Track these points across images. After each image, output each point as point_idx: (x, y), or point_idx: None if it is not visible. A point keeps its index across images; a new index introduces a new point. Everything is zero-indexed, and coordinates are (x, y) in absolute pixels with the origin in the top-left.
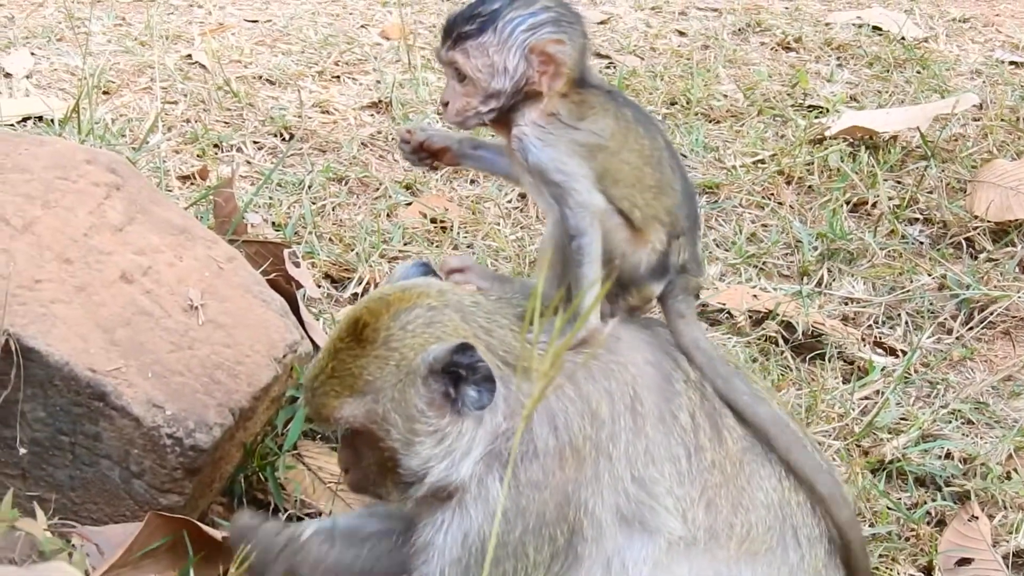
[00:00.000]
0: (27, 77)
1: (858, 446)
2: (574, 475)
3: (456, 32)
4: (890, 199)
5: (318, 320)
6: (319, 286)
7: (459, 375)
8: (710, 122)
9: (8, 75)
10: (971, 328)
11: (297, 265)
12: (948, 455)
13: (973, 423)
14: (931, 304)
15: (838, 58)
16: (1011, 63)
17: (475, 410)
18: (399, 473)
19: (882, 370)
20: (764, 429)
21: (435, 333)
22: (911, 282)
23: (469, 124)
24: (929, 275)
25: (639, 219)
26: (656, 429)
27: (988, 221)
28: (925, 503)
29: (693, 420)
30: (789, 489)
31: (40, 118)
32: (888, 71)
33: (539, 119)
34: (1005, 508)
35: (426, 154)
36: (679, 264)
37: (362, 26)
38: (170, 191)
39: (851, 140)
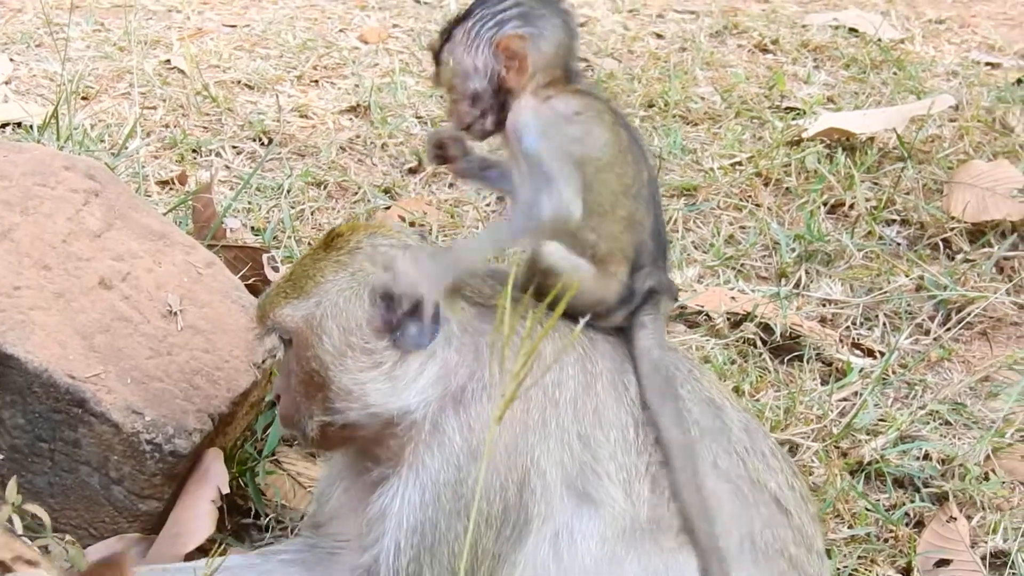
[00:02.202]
0: (5, 83)
1: (836, 447)
2: (522, 416)
3: (434, 50)
4: (867, 200)
5: None
6: None
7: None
8: (688, 124)
9: None
10: (948, 329)
11: (276, 270)
12: (926, 456)
13: (951, 424)
14: (908, 305)
15: (815, 60)
16: (987, 64)
17: (411, 346)
18: (330, 395)
19: (860, 371)
20: (669, 453)
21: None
22: (888, 283)
23: (475, 132)
24: (906, 276)
25: (603, 251)
26: (607, 392)
27: (965, 222)
28: (903, 504)
29: (633, 404)
30: (756, 457)
31: (19, 124)
32: (865, 72)
33: (534, 102)
34: (983, 509)
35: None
36: (644, 290)
37: (340, 30)
38: (149, 196)
39: (828, 142)
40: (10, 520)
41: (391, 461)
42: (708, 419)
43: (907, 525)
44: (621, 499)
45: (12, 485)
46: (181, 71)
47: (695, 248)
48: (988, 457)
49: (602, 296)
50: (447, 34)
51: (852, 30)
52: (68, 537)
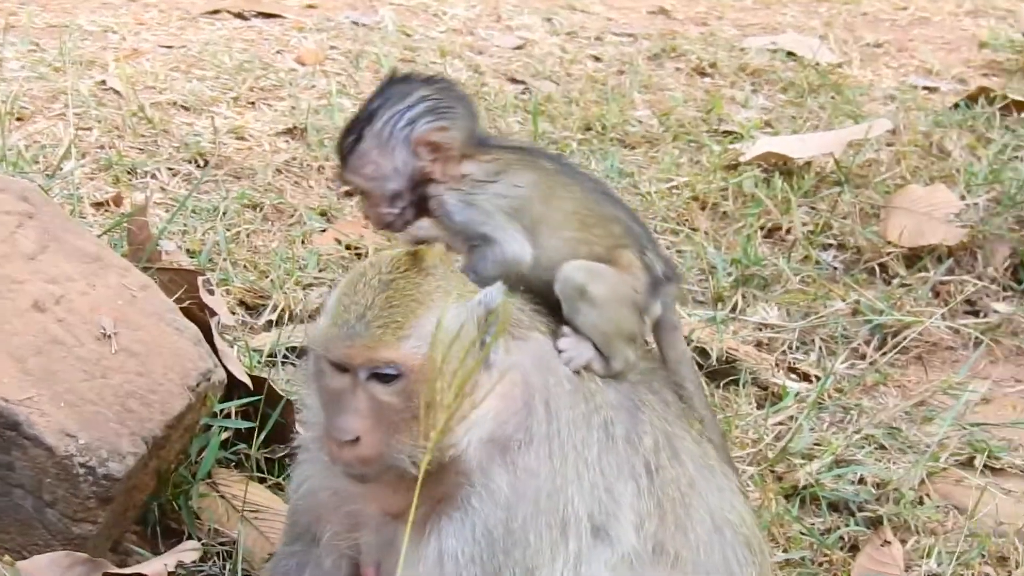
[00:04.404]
0: None
1: (772, 471)
2: (561, 468)
3: (342, 151)
4: (804, 225)
5: (232, 348)
6: (233, 313)
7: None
8: (625, 147)
9: None
10: (884, 353)
11: (211, 293)
12: (861, 480)
13: (886, 448)
14: (845, 329)
15: (753, 83)
16: (924, 88)
17: (499, 365)
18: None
19: (796, 395)
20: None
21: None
22: (825, 308)
23: (397, 227)
24: (843, 300)
25: (603, 253)
26: (625, 448)
27: (901, 247)
28: (838, 528)
29: (656, 443)
30: (735, 510)
31: None
32: (802, 96)
33: (454, 184)
34: (918, 533)
35: None
36: (662, 274)
37: (277, 52)
38: (84, 218)
39: (765, 166)
40: None
41: (435, 500)
42: None
43: (842, 549)
44: (633, 539)
45: None
46: (117, 92)
47: None
48: (923, 481)
49: (633, 288)
50: (355, 138)
51: (790, 54)
52: (7, 557)
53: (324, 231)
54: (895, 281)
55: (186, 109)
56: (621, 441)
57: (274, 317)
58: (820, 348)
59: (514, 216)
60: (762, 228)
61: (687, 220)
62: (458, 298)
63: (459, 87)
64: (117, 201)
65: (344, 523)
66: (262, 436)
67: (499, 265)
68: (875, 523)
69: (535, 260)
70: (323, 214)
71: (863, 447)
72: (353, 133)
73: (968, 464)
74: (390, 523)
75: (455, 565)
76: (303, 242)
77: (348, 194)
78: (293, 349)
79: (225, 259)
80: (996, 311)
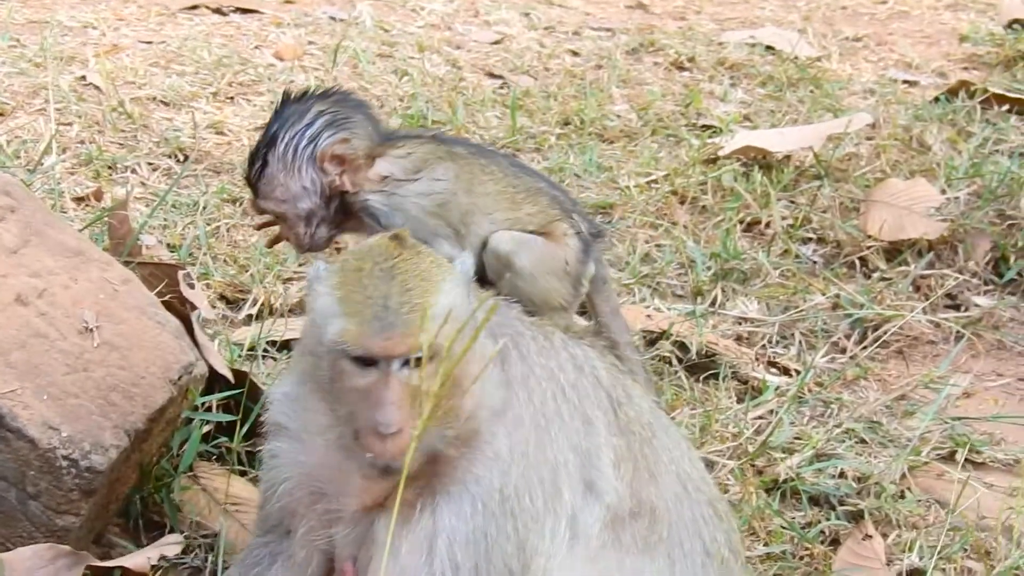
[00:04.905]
0: None
1: (752, 465)
2: (541, 407)
3: (250, 180)
4: (783, 219)
5: (213, 341)
6: (214, 307)
7: None
8: (604, 142)
9: None
10: (865, 347)
11: (192, 286)
12: (842, 474)
13: (867, 442)
14: (825, 323)
15: (731, 78)
16: (904, 82)
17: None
18: (464, 406)
19: (776, 389)
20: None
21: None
22: (805, 301)
23: (319, 245)
24: (823, 294)
25: (537, 224)
26: (591, 378)
27: (882, 240)
28: (819, 522)
29: (612, 380)
30: (692, 463)
31: None
32: (781, 90)
33: (375, 187)
34: (899, 527)
35: None
36: (589, 234)
37: (256, 47)
38: (65, 213)
39: (744, 160)
40: None
41: (436, 477)
42: None
43: (823, 543)
44: (614, 481)
45: None
46: (97, 87)
47: (611, 266)
48: (904, 475)
49: (566, 256)
50: (260, 164)
51: (769, 48)
52: None
53: None
54: (875, 275)
55: (166, 104)
56: (587, 371)
57: (254, 311)
58: (800, 342)
59: (440, 215)
60: (741, 222)
61: (666, 214)
62: (446, 271)
63: (355, 95)
64: (98, 196)
65: (319, 520)
66: (243, 429)
67: None
68: (856, 517)
69: (473, 248)
70: None
71: (844, 441)
72: (258, 160)
73: (950, 458)
74: (367, 516)
75: (448, 545)
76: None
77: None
78: (273, 343)
79: (205, 253)
80: (977, 305)
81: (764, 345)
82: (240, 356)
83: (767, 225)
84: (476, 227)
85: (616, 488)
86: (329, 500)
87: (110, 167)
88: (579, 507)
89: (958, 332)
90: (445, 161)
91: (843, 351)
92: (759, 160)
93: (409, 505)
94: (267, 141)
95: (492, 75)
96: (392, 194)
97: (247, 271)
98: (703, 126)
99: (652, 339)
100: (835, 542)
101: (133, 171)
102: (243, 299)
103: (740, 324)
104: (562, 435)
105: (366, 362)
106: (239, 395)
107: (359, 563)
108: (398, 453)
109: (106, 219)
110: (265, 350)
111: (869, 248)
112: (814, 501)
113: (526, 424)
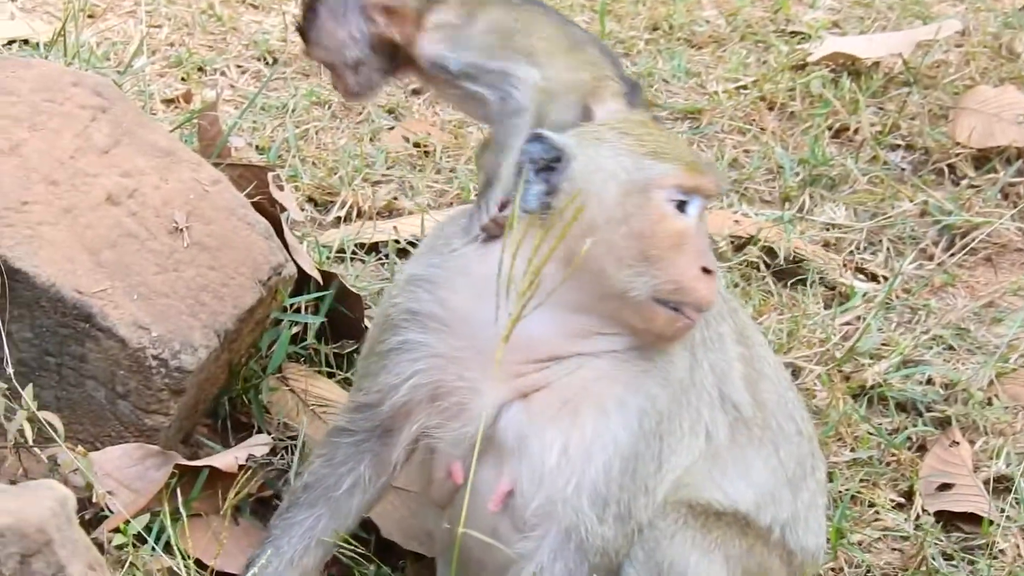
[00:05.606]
0: (12, 0)
1: (839, 371)
2: (717, 329)
3: (301, 29)
4: (872, 125)
5: (302, 243)
6: (302, 209)
7: None
8: (692, 48)
9: None
10: (952, 254)
11: (281, 188)
12: (929, 381)
13: (954, 349)
14: (913, 230)
15: None
16: None
17: None
18: None
19: (863, 296)
20: None
21: None
22: (893, 208)
23: (367, 95)
24: (911, 201)
25: (591, 83)
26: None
27: (970, 147)
28: (906, 428)
29: (724, 294)
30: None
31: (26, 41)
32: None
33: (433, 34)
34: (986, 433)
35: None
36: (632, 91)
37: None
38: (154, 114)
39: (833, 66)
40: (21, 430)
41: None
42: None
43: (909, 449)
44: (744, 394)
45: (29, 391)
46: None
47: None
48: (991, 382)
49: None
50: (310, 13)
51: None
52: (80, 448)
53: (392, 129)
54: (964, 182)
55: (255, 7)
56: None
57: (343, 214)
58: (888, 249)
59: (509, 46)
60: (830, 128)
61: (754, 120)
62: None
63: None
64: (187, 98)
65: (436, 418)
66: (331, 331)
67: (524, 85)
68: (943, 424)
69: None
70: (391, 112)
71: (931, 348)
72: (308, 8)
73: None
74: (510, 406)
75: (607, 457)
76: (371, 139)
77: (415, 92)
78: (362, 245)
79: (294, 156)
80: None
81: (852, 251)
82: (328, 258)
83: (855, 131)
84: (541, 70)
85: (744, 398)
86: (455, 394)
87: (200, 69)
88: (712, 421)
89: None
90: (497, 5)
91: (931, 258)
92: (848, 66)
93: (552, 403)
94: None
95: None
96: (455, 40)
97: (336, 174)
98: (792, 32)
99: (740, 244)
100: (922, 448)
101: (223, 73)
102: (331, 202)
103: (828, 230)
104: (705, 359)
105: (682, 206)
106: (327, 296)
107: (465, 465)
108: (714, 294)
109: (196, 121)
110: (354, 252)
111: (958, 155)
112: (901, 407)
113: (687, 348)
